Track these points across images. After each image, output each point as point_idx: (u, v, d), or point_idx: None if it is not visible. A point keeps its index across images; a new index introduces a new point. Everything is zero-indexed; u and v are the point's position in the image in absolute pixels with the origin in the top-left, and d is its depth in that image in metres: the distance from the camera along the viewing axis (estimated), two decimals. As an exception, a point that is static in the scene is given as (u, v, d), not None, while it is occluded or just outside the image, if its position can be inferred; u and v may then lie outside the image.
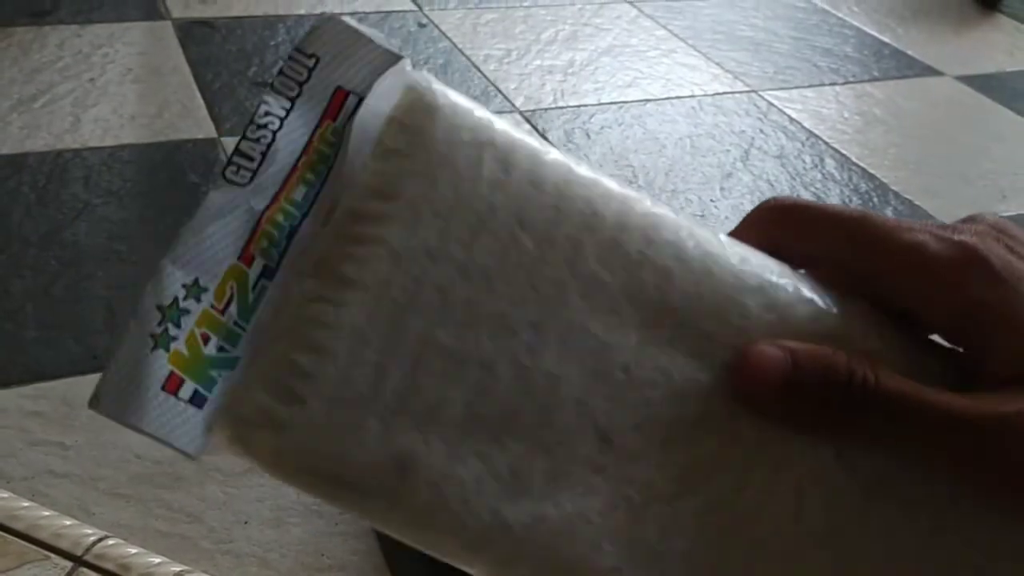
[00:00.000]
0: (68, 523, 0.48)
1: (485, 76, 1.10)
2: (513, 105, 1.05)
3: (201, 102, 0.97)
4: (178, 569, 0.47)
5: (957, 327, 0.23)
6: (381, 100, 0.22)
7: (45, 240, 0.74)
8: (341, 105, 0.22)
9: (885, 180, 1.01)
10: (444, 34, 1.20)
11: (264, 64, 1.06)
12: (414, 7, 1.26)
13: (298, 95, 0.22)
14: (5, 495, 0.49)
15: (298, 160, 0.21)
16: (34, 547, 0.46)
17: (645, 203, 0.23)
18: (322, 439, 0.20)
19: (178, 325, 0.20)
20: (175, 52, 1.07)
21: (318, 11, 1.21)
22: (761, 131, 1.07)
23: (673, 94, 1.13)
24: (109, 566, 0.45)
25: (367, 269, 0.21)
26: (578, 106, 1.07)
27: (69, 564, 0.45)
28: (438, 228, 0.21)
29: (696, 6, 1.41)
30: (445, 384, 0.20)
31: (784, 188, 0.96)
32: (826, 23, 1.41)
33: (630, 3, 1.38)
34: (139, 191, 0.83)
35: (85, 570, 0.45)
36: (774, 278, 0.23)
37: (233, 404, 0.20)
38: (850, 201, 0.96)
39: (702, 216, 0.89)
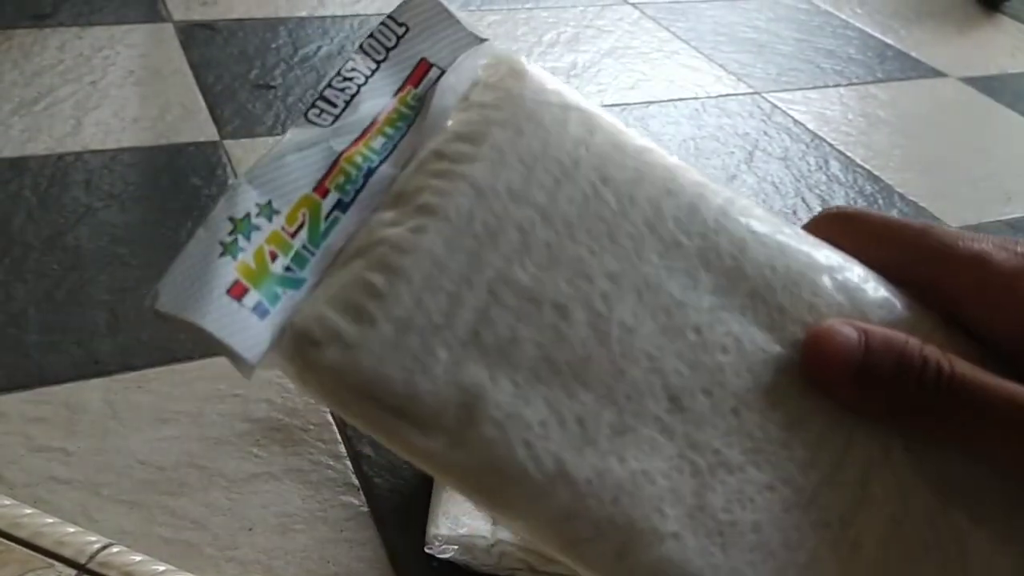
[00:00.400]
0: (72, 530, 0.47)
1: (488, 78, 1.10)
2: (516, 107, 1.05)
3: (203, 105, 0.97)
4: (183, 577, 0.47)
5: (1019, 337, 0.22)
6: (461, 76, 0.23)
7: (47, 244, 0.74)
8: (424, 75, 0.23)
9: (890, 182, 1.00)
10: (446, 36, 1.19)
11: (266, 66, 1.06)
12: (416, 9, 1.26)
13: (384, 59, 0.23)
14: (8, 502, 0.49)
15: (378, 115, 0.23)
16: (38, 555, 0.45)
17: (718, 185, 0.24)
18: (388, 363, 0.19)
19: (248, 239, 0.20)
20: (176, 54, 1.06)
21: (319, 14, 1.21)
22: (765, 133, 1.07)
23: (676, 96, 1.13)
24: (113, 574, 0.45)
25: (449, 201, 0.21)
26: (581, 108, 1.07)
27: (73, 572, 0.45)
28: (522, 173, 0.21)
29: (698, 8, 1.41)
30: (518, 322, 0.20)
31: (789, 190, 0.96)
32: (829, 25, 1.41)
33: (632, 5, 1.38)
34: (141, 194, 0.83)
35: (89, 578, 0.45)
36: (844, 263, 0.23)
37: (299, 320, 0.20)
38: (855, 203, 0.95)
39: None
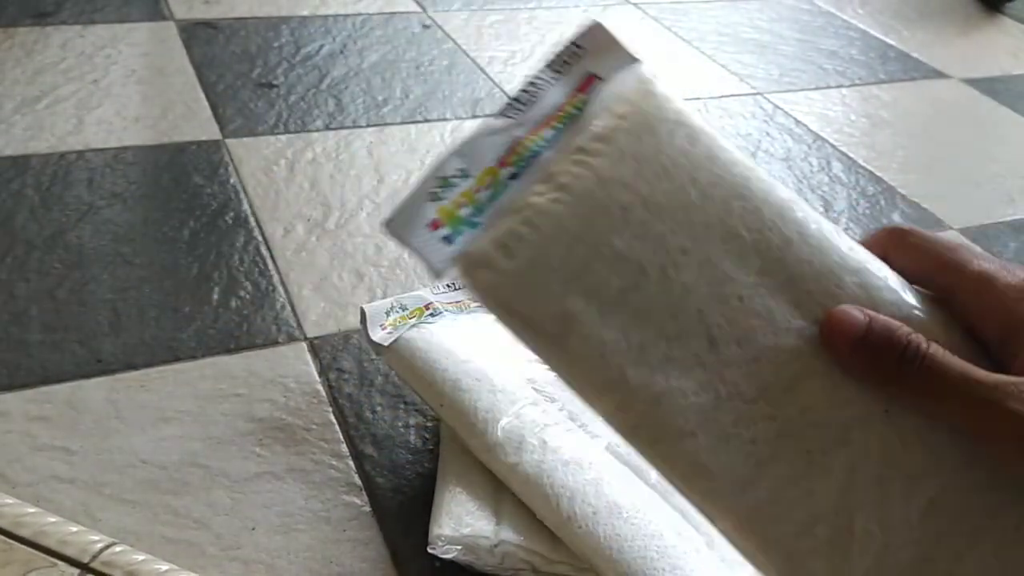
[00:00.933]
0: (75, 529, 0.47)
1: (490, 77, 1.10)
2: (518, 107, 1.05)
3: (205, 103, 0.97)
4: (186, 576, 0.47)
5: (1003, 339, 0.28)
6: (613, 89, 0.31)
7: (49, 243, 0.74)
8: (590, 85, 0.31)
9: (892, 183, 1.00)
10: (448, 35, 1.19)
11: (268, 65, 1.06)
12: (418, 8, 1.26)
13: (563, 72, 0.31)
14: (10, 501, 0.49)
15: (551, 113, 0.31)
16: (41, 554, 0.45)
17: (788, 192, 0.31)
18: (520, 285, 0.29)
19: (448, 191, 0.29)
20: (179, 53, 1.06)
21: (321, 12, 1.21)
22: (767, 133, 1.07)
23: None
24: (116, 573, 0.45)
25: (578, 183, 0.29)
26: (583, 108, 1.07)
27: (76, 571, 0.45)
28: (633, 168, 0.30)
29: (700, 8, 1.40)
30: (610, 273, 0.29)
31: (791, 191, 0.96)
32: (831, 25, 1.41)
33: (635, 5, 1.38)
34: (143, 193, 0.83)
35: (92, 577, 0.45)
36: (872, 268, 0.30)
37: (471, 249, 0.29)
38: (857, 205, 0.95)
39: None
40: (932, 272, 0.30)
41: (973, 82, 1.29)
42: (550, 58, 0.31)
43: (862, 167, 1.03)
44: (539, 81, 0.31)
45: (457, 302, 0.63)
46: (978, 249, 0.30)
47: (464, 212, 0.29)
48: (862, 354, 0.28)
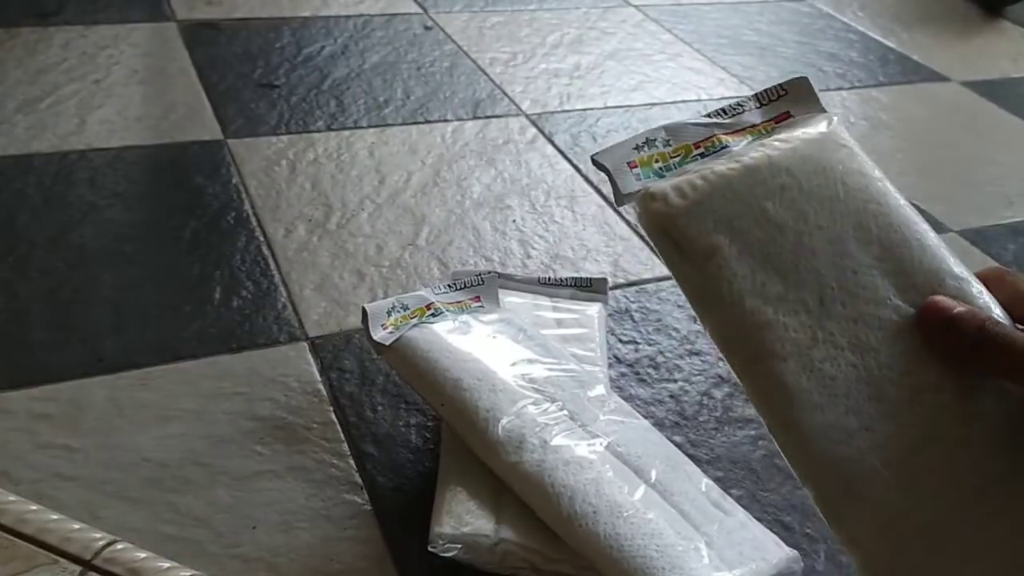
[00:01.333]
0: (77, 527, 0.47)
1: (491, 79, 1.10)
2: (519, 108, 1.05)
3: (207, 104, 0.97)
4: (188, 574, 0.47)
5: None
6: (806, 123, 0.39)
7: (51, 242, 0.74)
8: (784, 119, 0.40)
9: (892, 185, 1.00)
10: (449, 37, 1.19)
11: (269, 66, 1.06)
12: (419, 10, 1.26)
13: (766, 105, 0.40)
14: (13, 498, 0.49)
15: (747, 127, 0.39)
16: (43, 551, 0.45)
17: (916, 214, 0.38)
18: (682, 216, 0.36)
19: (649, 149, 0.38)
20: (180, 54, 1.07)
21: (322, 14, 1.21)
22: (767, 136, 1.07)
23: (679, 98, 1.13)
24: (119, 570, 0.45)
25: (752, 159, 0.38)
26: (584, 109, 1.07)
27: (79, 568, 0.45)
28: (797, 163, 0.37)
29: (701, 10, 1.41)
30: (756, 226, 0.36)
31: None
32: (831, 28, 1.41)
33: (635, 7, 1.38)
34: (145, 193, 0.83)
35: (95, 574, 0.45)
36: (972, 281, 0.37)
37: (653, 186, 0.37)
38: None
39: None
40: (1017, 303, 0.37)
41: (972, 85, 1.29)
42: (759, 92, 0.41)
43: (862, 169, 1.03)
44: (745, 104, 0.40)
45: (458, 302, 0.63)
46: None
47: (657, 165, 0.38)
48: (948, 332, 0.35)
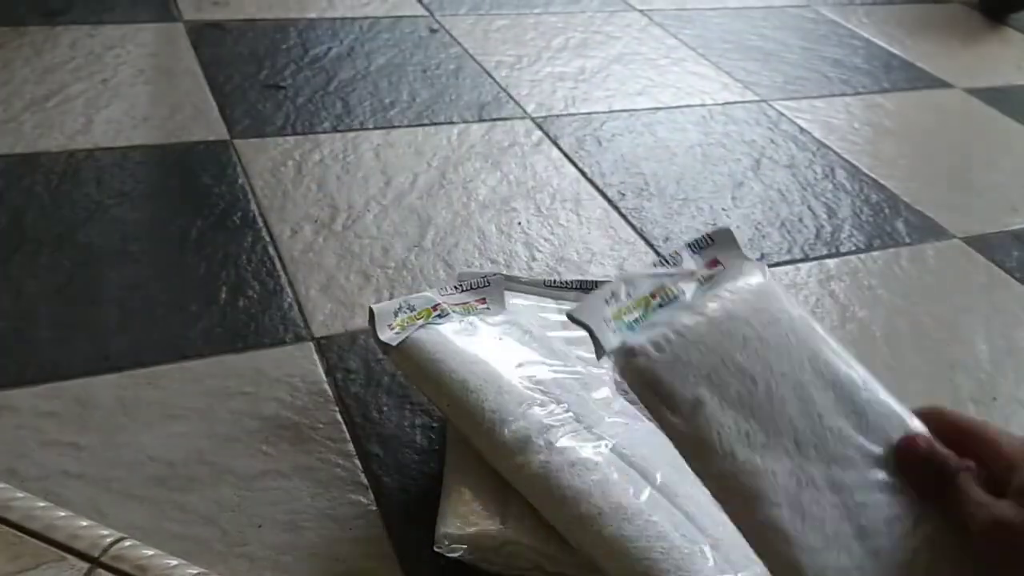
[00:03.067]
0: (85, 524, 0.48)
1: (496, 82, 1.10)
2: (525, 111, 1.05)
3: (213, 104, 0.97)
4: (195, 572, 0.47)
5: (1003, 473, 0.37)
6: (736, 269, 0.42)
7: (58, 240, 0.74)
8: (714, 266, 0.43)
9: (896, 191, 1.01)
10: (455, 39, 1.20)
11: (276, 67, 1.06)
12: (425, 13, 1.26)
13: (697, 252, 0.43)
14: (21, 495, 0.49)
15: (689, 275, 0.42)
16: (51, 548, 0.45)
17: (855, 360, 0.41)
18: (665, 371, 0.37)
19: (616, 303, 0.40)
20: (187, 54, 1.07)
21: (328, 15, 1.21)
22: (772, 141, 1.07)
23: (683, 103, 1.13)
24: (126, 567, 0.45)
25: (714, 312, 0.39)
26: (589, 113, 1.07)
27: (86, 565, 0.45)
28: (751, 312, 0.40)
29: (706, 15, 1.41)
30: (731, 377, 0.38)
31: (795, 198, 0.96)
32: (835, 34, 1.42)
33: (640, 12, 1.38)
34: (151, 192, 0.83)
35: (102, 571, 0.45)
36: (913, 420, 0.40)
37: (631, 343, 0.38)
38: (861, 212, 0.96)
39: (713, 224, 0.88)
40: (951, 432, 0.39)
41: (976, 92, 1.29)
42: (691, 241, 0.44)
43: (866, 175, 1.03)
44: (682, 254, 0.43)
45: (464, 303, 0.64)
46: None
47: (627, 319, 0.39)
48: (923, 470, 0.38)
